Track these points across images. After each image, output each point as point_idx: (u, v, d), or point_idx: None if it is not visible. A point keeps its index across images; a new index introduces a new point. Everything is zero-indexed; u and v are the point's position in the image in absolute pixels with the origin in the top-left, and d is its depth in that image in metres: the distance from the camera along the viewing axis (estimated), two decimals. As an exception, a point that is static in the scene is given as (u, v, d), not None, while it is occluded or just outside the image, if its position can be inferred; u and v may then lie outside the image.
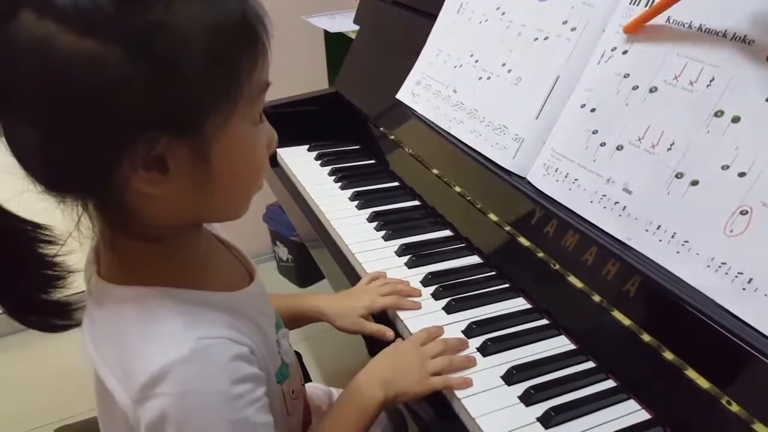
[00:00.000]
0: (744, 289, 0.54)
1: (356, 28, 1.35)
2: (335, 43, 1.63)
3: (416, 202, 1.01)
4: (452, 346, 0.67)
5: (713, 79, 0.60)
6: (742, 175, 0.57)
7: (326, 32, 1.64)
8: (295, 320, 0.77)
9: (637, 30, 0.68)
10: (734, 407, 0.53)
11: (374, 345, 0.73)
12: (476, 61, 0.92)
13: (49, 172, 0.40)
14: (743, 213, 0.56)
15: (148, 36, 0.37)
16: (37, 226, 0.44)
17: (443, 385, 0.63)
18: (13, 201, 0.42)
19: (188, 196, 0.44)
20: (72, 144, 0.39)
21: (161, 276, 0.47)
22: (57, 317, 0.47)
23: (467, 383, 0.63)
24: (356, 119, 1.22)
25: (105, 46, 0.36)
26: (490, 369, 0.66)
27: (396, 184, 1.07)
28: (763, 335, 0.52)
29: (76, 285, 0.48)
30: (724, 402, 0.53)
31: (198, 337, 0.44)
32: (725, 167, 0.58)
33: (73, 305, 0.48)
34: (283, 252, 1.96)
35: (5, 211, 0.42)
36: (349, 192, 1.03)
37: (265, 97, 0.47)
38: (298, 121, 1.25)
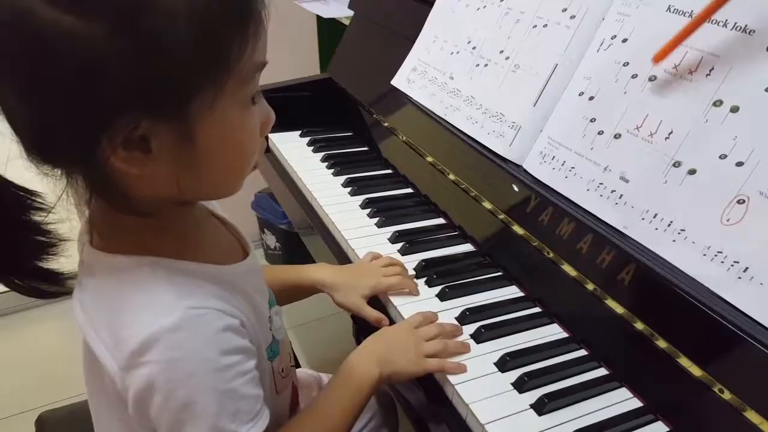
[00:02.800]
0: (740, 277, 0.55)
1: (349, 13, 1.34)
2: (328, 28, 1.62)
3: (409, 190, 1.00)
4: (447, 330, 0.66)
5: (713, 68, 0.60)
6: (739, 164, 0.57)
7: (319, 17, 1.62)
8: (292, 292, 0.76)
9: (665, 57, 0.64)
10: (726, 395, 0.53)
11: (364, 328, 0.73)
12: (473, 48, 0.91)
13: (33, 142, 0.40)
14: (740, 202, 0.56)
15: (132, 13, 0.36)
16: (29, 192, 0.44)
17: (438, 367, 0.62)
18: (1, 166, 0.42)
19: (174, 176, 0.43)
20: (52, 119, 0.38)
21: (153, 246, 0.46)
22: (48, 284, 0.47)
23: (461, 368, 0.62)
24: (349, 106, 1.21)
25: (87, 22, 0.35)
26: (483, 356, 0.65)
27: (389, 171, 1.06)
28: (759, 323, 0.52)
29: (69, 254, 0.48)
30: (716, 390, 0.54)
31: (188, 306, 0.44)
32: (723, 156, 0.58)
33: (64, 274, 0.48)
34: (271, 240, 1.95)
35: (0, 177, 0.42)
36: (342, 178, 1.02)
37: (260, 77, 0.45)
38: (290, 107, 1.23)
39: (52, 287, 0.47)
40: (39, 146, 0.40)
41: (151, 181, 0.43)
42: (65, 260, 0.47)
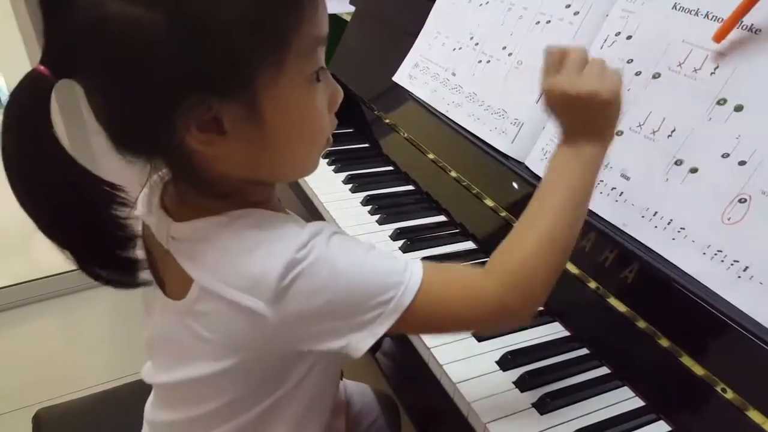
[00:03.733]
0: (739, 277, 0.54)
1: (350, 9, 1.33)
2: (328, 24, 1.61)
3: (410, 187, 1.00)
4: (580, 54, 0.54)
5: (717, 66, 0.60)
6: (742, 163, 0.56)
7: (320, 13, 1.61)
8: None
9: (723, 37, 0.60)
10: (729, 394, 0.53)
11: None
12: (476, 44, 0.90)
13: (116, 132, 0.42)
14: (742, 201, 0.56)
15: None
16: (114, 187, 0.46)
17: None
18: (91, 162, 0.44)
19: (248, 155, 0.45)
20: (127, 106, 0.41)
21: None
22: (127, 274, 0.49)
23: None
24: (350, 102, 1.20)
25: (148, 10, 0.37)
26: (485, 354, 0.65)
27: (390, 168, 1.06)
28: (758, 323, 0.52)
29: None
30: (719, 389, 0.54)
31: (309, 232, 0.45)
32: (726, 155, 0.58)
33: (138, 264, 0.50)
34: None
35: (87, 171, 0.44)
36: (343, 175, 1.02)
37: (323, 54, 0.46)
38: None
39: (131, 277, 0.49)
40: (121, 136, 0.42)
41: (229, 160, 0.44)
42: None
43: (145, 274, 0.51)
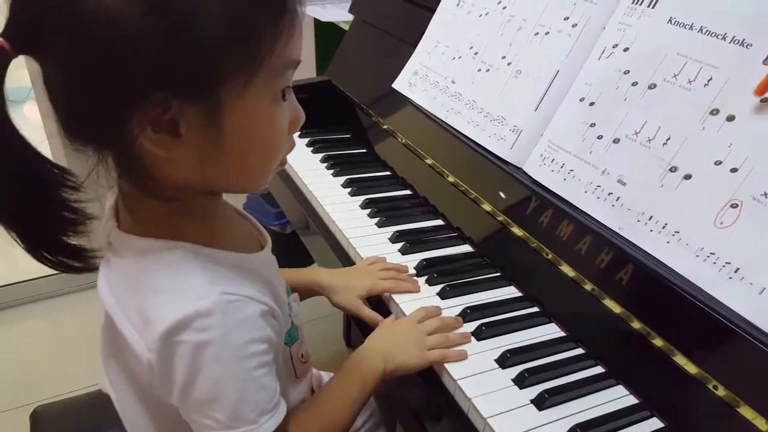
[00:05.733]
0: (731, 277, 0.57)
1: (347, 17, 1.35)
2: (325, 32, 1.63)
3: (408, 192, 1.02)
4: (448, 323, 0.68)
5: (711, 78, 0.63)
6: (734, 170, 0.59)
7: (317, 21, 1.63)
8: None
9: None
10: (721, 391, 0.55)
11: (362, 328, 0.74)
12: (475, 54, 0.93)
13: (69, 118, 0.42)
14: (733, 206, 0.58)
15: None
16: (63, 170, 0.45)
17: (441, 357, 0.64)
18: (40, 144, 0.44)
19: (199, 163, 0.44)
20: (87, 94, 0.40)
21: (182, 232, 0.47)
22: (73, 259, 0.48)
23: (463, 355, 0.64)
24: (347, 108, 1.22)
25: (127, 2, 0.37)
26: (484, 352, 0.67)
27: (388, 173, 1.08)
28: (748, 321, 0.54)
29: (95, 232, 0.49)
30: (710, 386, 0.56)
31: (221, 292, 0.45)
32: (718, 163, 0.60)
33: (90, 251, 0.49)
34: (263, 241, 1.95)
35: (38, 154, 0.43)
36: (342, 179, 1.03)
37: (292, 75, 0.46)
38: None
39: (78, 263, 0.49)
40: (73, 121, 0.42)
41: (178, 165, 0.44)
42: (91, 238, 0.49)
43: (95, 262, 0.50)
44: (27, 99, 1.81)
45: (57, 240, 0.47)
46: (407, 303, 0.74)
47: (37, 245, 0.46)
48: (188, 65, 0.39)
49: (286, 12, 0.42)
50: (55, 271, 0.49)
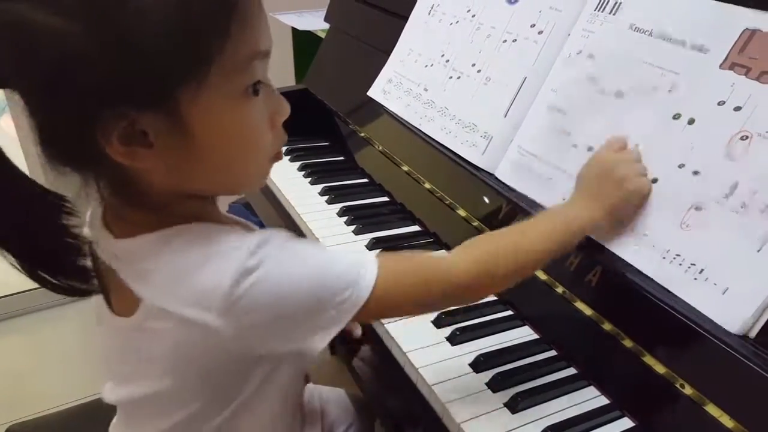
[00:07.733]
0: (695, 278, 0.58)
1: (324, 26, 1.36)
2: (303, 40, 1.64)
3: (385, 198, 1.02)
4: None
5: (673, 84, 0.64)
6: (696, 173, 0.60)
7: (294, 30, 1.64)
8: None
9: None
10: (687, 390, 0.56)
11: (342, 338, 0.74)
12: (447, 61, 0.94)
13: (42, 142, 0.42)
14: (697, 209, 0.60)
15: (104, 9, 0.37)
16: (60, 197, 0.46)
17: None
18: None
19: (178, 168, 0.44)
20: (50, 117, 0.41)
21: (183, 218, 0.47)
22: (81, 281, 0.49)
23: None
24: (325, 116, 1.23)
25: (67, 20, 0.37)
26: (458, 357, 0.68)
27: (365, 180, 1.08)
28: (712, 321, 0.56)
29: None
30: (678, 385, 0.57)
31: (253, 239, 0.46)
32: (681, 166, 0.62)
33: (91, 271, 0.50)
34: (246, 249, 1.94)
35: (34, 182, 0.44)
36: (319, 187, 1.04)
37: (263, 67, 0.45)
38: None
39: (85, 284, 0.49)
40: (47, 145, 0.42)
41: (159, 173, 0.44)
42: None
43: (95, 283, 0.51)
44: (2, 112, 1.79)
45: (68, 264, 0.47)
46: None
47: (45, 272, 0.47)
48: (136, 76, 0.39)
49: (234, 10, 0.41)
50: (35, 285, 0.48)
